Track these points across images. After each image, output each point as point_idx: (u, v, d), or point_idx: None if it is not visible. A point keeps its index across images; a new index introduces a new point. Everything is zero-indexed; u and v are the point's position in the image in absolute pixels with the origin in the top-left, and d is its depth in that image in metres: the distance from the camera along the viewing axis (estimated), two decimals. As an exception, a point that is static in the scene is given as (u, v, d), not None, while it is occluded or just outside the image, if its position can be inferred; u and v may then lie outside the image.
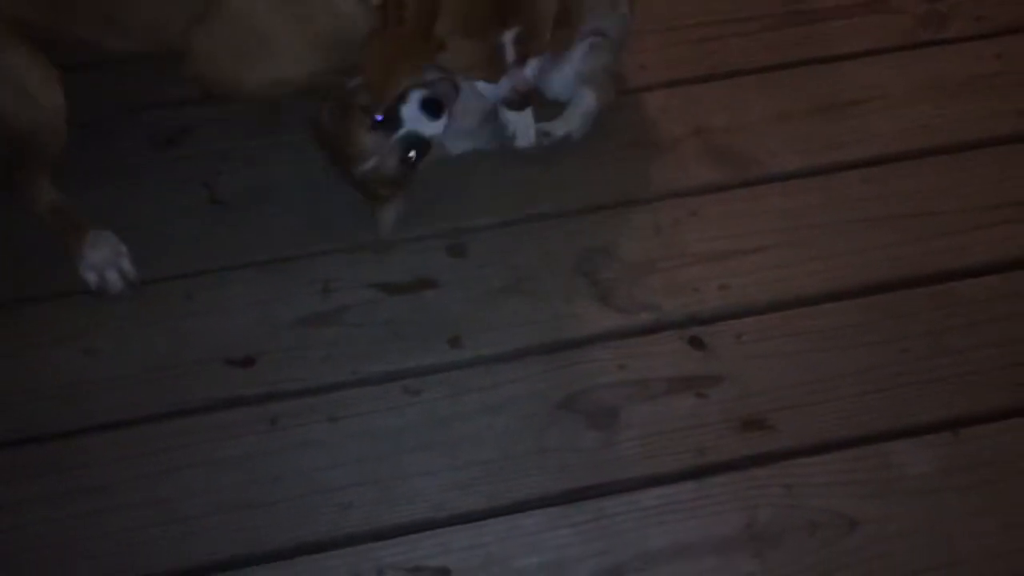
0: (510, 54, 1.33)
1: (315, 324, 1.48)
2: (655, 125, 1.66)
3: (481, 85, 1.42)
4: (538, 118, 1.59)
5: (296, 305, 1.49)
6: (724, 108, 1.68)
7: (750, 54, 1.75)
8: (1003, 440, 1.38)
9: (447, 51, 1.29)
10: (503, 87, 1.40)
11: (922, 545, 1.31)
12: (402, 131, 1.45)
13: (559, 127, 1.61)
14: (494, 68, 1.35)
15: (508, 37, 1.30)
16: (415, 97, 1.43)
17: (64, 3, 1.38)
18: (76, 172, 1.54)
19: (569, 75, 1.61)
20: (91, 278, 1.48)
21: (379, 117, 1.44)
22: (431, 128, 1.45)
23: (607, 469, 1.37)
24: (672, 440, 1.39)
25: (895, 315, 1.49)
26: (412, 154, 1.46)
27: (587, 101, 1.61)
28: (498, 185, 1.61)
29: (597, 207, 1.59)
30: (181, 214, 1.60)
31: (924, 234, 1.56)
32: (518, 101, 1.46)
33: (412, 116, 1.44)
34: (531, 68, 1.40)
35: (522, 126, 1.58)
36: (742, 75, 1.72)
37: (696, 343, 1.47)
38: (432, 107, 1.43)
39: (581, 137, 1.62)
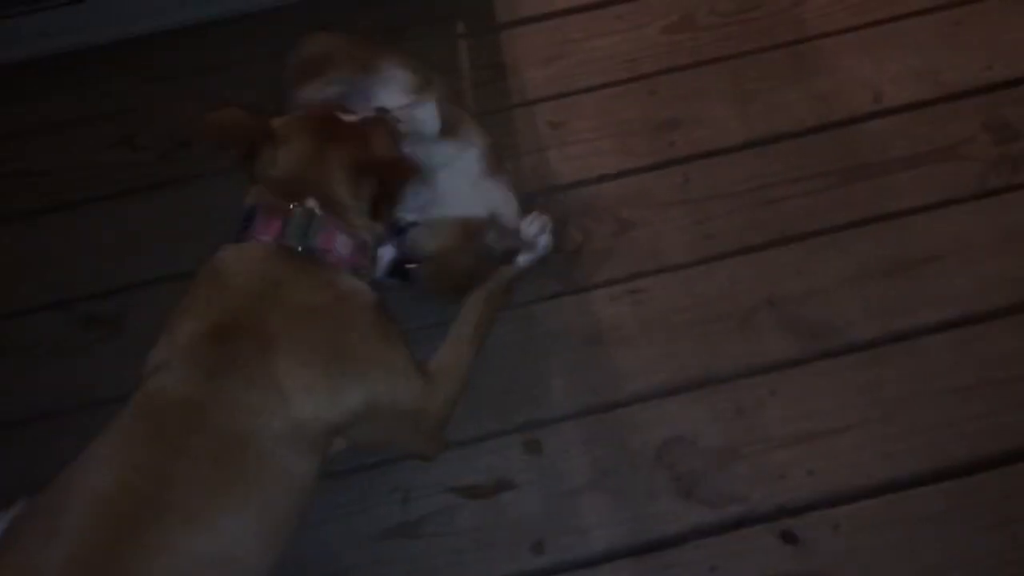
0: None
1: (397, 536, 1.45)
2: (726, 297, 1.62)
3: None
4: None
5: (377, 516, 1.47)
6: (797, 274, 1.63)
7: (818, 214, 1.68)
8: None
9: None
10: None
11: None
12: None
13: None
14: None
15: None
16: None
17: None
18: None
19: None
20: None
21: None
22: None
23: None
24: (774, 652, 1.33)
25: (1003, 495, 1.41)
26: None
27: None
28: (570, 373, 1.58)
29: (674, 390, 1.55)
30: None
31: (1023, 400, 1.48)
32: None
33: None
34: None
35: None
36: (812, 237, 1.66)
37: (789, 537, 1.40)
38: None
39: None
